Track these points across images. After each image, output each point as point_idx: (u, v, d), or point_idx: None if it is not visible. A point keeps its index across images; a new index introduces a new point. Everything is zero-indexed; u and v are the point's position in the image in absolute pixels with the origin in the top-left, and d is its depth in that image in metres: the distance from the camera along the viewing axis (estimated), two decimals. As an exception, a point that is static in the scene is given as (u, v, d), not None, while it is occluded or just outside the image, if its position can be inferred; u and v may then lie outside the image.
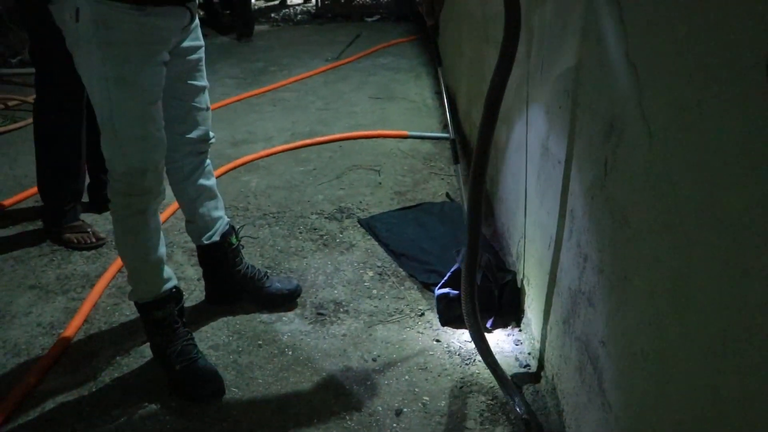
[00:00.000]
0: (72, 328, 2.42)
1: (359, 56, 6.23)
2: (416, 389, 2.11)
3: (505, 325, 2.40)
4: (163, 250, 2.09)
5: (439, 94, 4.91)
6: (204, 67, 2.18)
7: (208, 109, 2.23)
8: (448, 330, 2.37)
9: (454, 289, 2.45)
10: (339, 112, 4.72)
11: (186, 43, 2.03)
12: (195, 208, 2.34)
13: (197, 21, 2.07)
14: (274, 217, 3.21)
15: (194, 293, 2.63)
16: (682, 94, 1.13)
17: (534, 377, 2.14)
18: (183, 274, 2.77)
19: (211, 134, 2.28)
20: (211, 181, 2.36)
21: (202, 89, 2.17)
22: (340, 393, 2.11)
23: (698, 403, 1.09)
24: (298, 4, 9.46)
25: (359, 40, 6.90)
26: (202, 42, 2.11)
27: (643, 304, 1.31)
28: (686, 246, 1.12)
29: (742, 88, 0.94)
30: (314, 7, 8.74)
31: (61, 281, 2.76)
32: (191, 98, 2.14)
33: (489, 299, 2.40)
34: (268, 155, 3.95)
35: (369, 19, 8.26)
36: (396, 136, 4.17)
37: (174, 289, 2.13)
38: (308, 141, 4.11)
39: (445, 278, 2.49)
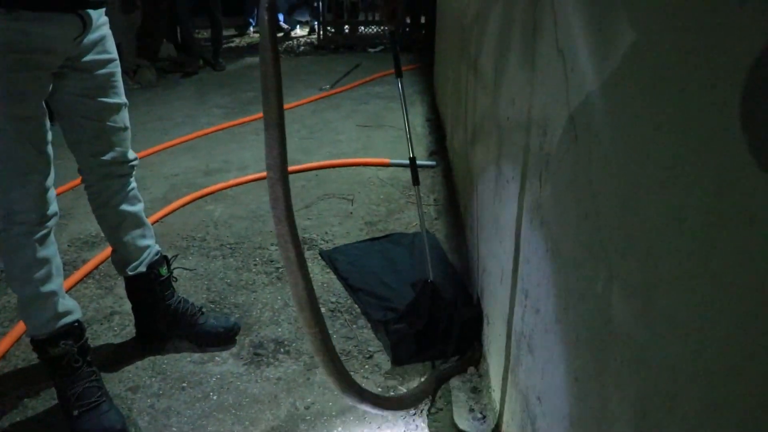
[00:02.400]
0: (-16, 366, 2.17)
1: (354, 85, 6.04)
2: (347, 442, 1.83)
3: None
4: (58, 281, 1.84)
5: (429, 121, 4.68)
6: (120, 84, 1.95)
7: (126, 129, 2.00)
8: (398, 375, 2.09)
9: (410, 325, 2.20)
10: (322, 141, 4.50)
11: (90, 57, 1.81)
12: (118, 236, 2.10)
13: (104, 33, 1.85)
14: (230, 248, 2.97)
15: (127, 328, 2.39)
16: (603, 87, 0.88)
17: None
18: (121, 307, 2.52)
19: (131, 155, 2.04)
20: (135, 207, 2.12)
21: (118, 107, 1.94)
22: (260, 447, 1.83)
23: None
24: (302, 36, 9.35)
25: (358, 70, 6.72)
26: (113, 56, 1.89)
27: (570, 354, 1.04)
28: (608, 281, 0.86)
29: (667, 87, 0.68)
30: (317, 39, 8.61)
31: (-10, 314, 2.53)
32: (104, 117, 1.91)
33: (446, 336, 2.15)
34: (236, 184, 3.72)
35: (372, 50, 8.10)
36: (377, 164, 3.94)
37: (75, 324, 1.88)
38: (283, 169, 3.88)
39: (401, 314, 2.25)
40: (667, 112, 0.69)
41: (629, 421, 0.79)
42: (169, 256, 2.28)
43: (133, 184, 2.10)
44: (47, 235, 1.81)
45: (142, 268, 2.15)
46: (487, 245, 2.03)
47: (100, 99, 1.87)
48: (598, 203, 0.89)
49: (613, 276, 0.83)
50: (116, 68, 1.90)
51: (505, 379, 1.69)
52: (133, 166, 2.06)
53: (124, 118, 1.97)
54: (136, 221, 2.12)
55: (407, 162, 3.85)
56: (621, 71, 0.83)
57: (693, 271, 0.63)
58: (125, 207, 2.07)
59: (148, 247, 2.16)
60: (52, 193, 1.81)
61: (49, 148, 1.77)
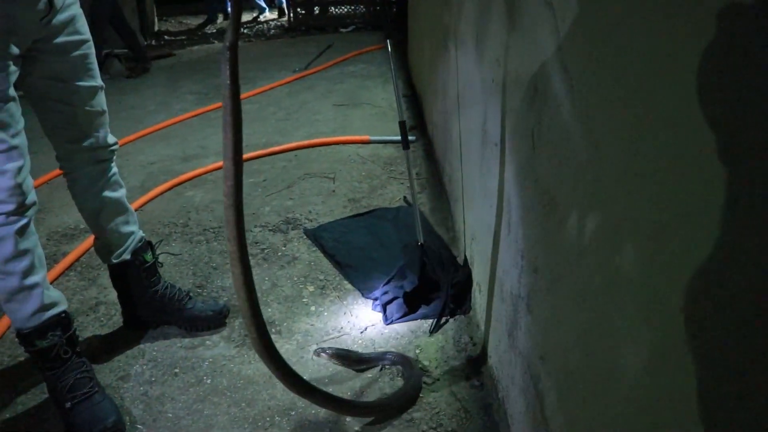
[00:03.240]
0: (-32, 365, 2.12)
1: (328, 65, 5.98)
2: (347, 418, 1.81)
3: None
4: (41, 273, 1.79)
5: (405, 97, 4.64)
6: (95, 66, 1.89)
7: (103, 112, 1.94)
8: (393, 348, 2.08)
9: (401, 285, 2.27)
10: (299, 122, 4.45)
11: (61, 38, 1.75)
12: (100, 223, 2.05)
13: (75, 13, 1.79)
14: (213, 233, 2.93)
15: (114, 318, 2.34)
16: (600, 34, 0.86)
17: (489, 403, 1.85)
18: (105, 297, 2.48)
19: (111, 140, 1.99)
20: (117, 193, 2.06)
21: (94, 90, 1.88)
22: (258, 426, 1.81)
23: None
24: (272, 19, 9.24)
25: (331, 50, 6.65)
26: (85, 36, 1.83)
27: (574, 310, 1.02)
28: (612, 229, 0.84)
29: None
30: (287, 22, 8.50)
31: (-29, 311, 2.47)
32: (80, 101, 1.85)
33: (435, 300, 2.20)
34: (216, 169, 3.66)
35: (344, 30, 8.03)
36: (356, 142, 3.90)
37: (62, 315, 1.83)
38: (261, 152, 3.83)
39: (391, 276, 2.33)
40: (667, 48, 0.67)
41: (642, 370, 0.77)
42: (154, 242, 2.23)
43: (114, 170, 2.04)
44: (27, 225, 1.75)
45: (127, 256, 2.10)
46: (474, 212, 2.01)
47: (74, 83, 1.81)
48: (601, 150, 0.87)
49: (620, 222, 0.81)
50: (90, 50, 1.84)
51: (500, 343, 1.68)
52: (113, 151, 2.01)
53: (101, 101, 1.92)
54: (119, 207, 2.07)
55: (387, 138, 3.86)
56: (618, 14, 0.80)
57: (705, 208, 0.61)
58: (107, 193, 2.02)
59: (132, 233, 2.11)
60: (29, 182, 1.75)
61: (23, 137, 1.71)
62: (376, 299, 2.27)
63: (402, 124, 2.38)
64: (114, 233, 2.07)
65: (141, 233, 2.16)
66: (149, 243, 2.18)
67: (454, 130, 2.50)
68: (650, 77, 0.72)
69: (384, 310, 2.22)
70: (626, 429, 0.84)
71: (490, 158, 1.71)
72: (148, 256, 2.16)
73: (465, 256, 2.31)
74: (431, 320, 2.16)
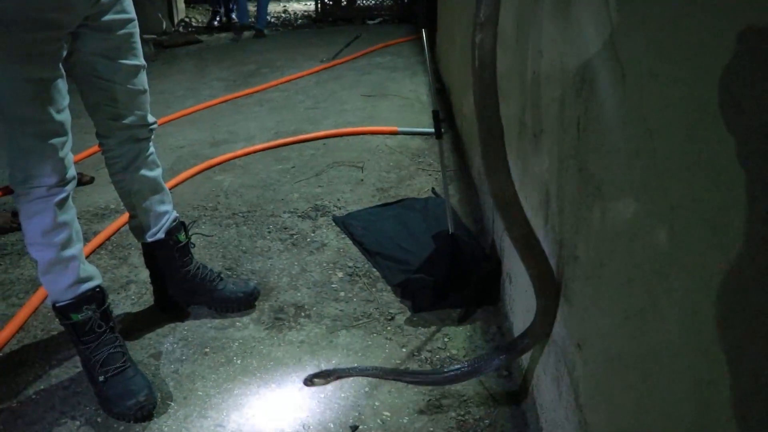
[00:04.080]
0: (3, 337, 2.16)
1: (356, 56, 6.00)
2: (376, 403, 1.83)
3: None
4: (78, 246, 1.83)
5: (435, 89, 4.64)
6: (138, 45, 1.92)
7: (145, 91, 1.97)
8: (421, 335, 2.09)
9: (431, 274, 2.27)
10: (328, 111, 4.47)
11: (109, 16, 1.77)
12: (136, 201, 2.08)
13: None
14: (243, 217, 2.95)
15: (144, 297, 2.38)
16: (657, 21, 0.86)
17: (516, 391, 1.86)
18: (136, 276, 2.51)
19: (150, 119, 2.02)
20: (155, 173, 2.10)
21: (137, 69, 1.91)
22: (289, 407, 1.83)
23: (683, 420, 0.81)
24: (300, 10, 9.26)
25: (358, 42, 6.66)
26: (131, 15, 1.85)
27: (619, 295, 1.03)
28: (667, 213, 0.84)
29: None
30: (315, 12, 8.52)
31: (4, 286, 2.51)
32: (124, 79, 1.88)
33: (464, 289, 2.21)
34: (245, 154, 3.70)
35: (371, 22, 8.04)
36: (384, 133, 3.91)
37: (97, 289, 1.86)
38: (290, 139, 3.86)
39: (421, 264, 2.35)
40: (729, 36, 0.67)
41: (690, 352, 0.78)
42: (186, 223, 2.26)
43: (152, 149, 2.08)
44: (66, 199, 1.79)
45: (161, 235, 2.13)
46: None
47: (119, 60, 1.84)
48: (654, 137, 0.88)
49: (674, 207, 0.82)
50: (135, 29, 1.87)
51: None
52: (152, 130, 2.04)
53: (143, 80, 1.94)
54: (155, 187, 2.10)
55: (416, 129, 3.87)
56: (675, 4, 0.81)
57: (763, 193, 0.61)
58: (144, 172, 2.05)
59: (166, 212, 2.14)
60: (70, 157, 1.79)
61: (67, 112, 1.74)
62: (405, 287, 2.28)
63: (435, 113, 2.39)
64: (149, 212, 2.10)
65: (175, 213, 2.19)
66: (182, 223, 2.21)
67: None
68: (707, 62, 0.72)
69: (413, 298, 2.23)
70: (671, 412, 0.85)
71: (528, 150, 1.72)
72: (182, 236, 2.18)
73: (493, 246, 2.32)
74: (459, 309, 2.18)
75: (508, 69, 1.99)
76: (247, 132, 4.13)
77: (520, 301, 1.84)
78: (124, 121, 1.94)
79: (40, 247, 1.79)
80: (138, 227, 2.14)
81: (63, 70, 1.72)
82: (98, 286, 1.89)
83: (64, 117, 1.72)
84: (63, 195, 1.78)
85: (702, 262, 0.75)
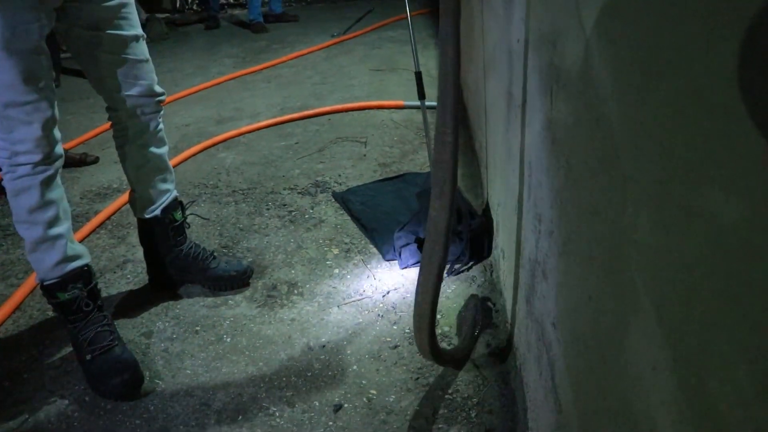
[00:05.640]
0: (-1, 317, 2.17)
1: (367, 30, 5.92)
2: (363, 381, 1.80)
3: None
4: (65, 225, 1.81)
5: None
6: (134, 16, 1.89)
7: (147, 60, 1.95)
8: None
9: (416, 231, 2.32)
10: (335, 86, 4.42)
11: None
12: (139, 177, 2.07)
13: None
14: (242, 194, 2.93)
15: (140, 276, 2.37)
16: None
17: (504, 366, 1.82)
18: (133, 256, 2.50)
19: (158, 89, 1.99)
20: (161, 150, 2.08)
21: (134, 38, 1.89)
22: (274, 386, 1.81)
23: (642, 404, 0.77)
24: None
25: (371, 15, 6.58)
26: None
27: (583, 273, 0.98)
28: (621, 186, 0.79)
29: None
30: (329, -14, 8.41)
31: (4, 267, 2.52)
32: (121, 49, 1.86)
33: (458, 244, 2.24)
34: (249, 131, 3.67)
35: (385, -4, 7.92)
36: (391, 107, 3.86)
37: (85, 268, 1.85)
38: (295, 115, 3.82)
39: (406, 221, 2.40)
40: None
41: (649, 335, 0.73)
42: (185, 202, 2.23)
43: (161, 126, 2.06)
44: (53, 177, 1.77)
45: (158, 212, 2.11)
46: (500, 177, 1.97)
47: (112, 32, 1.82)
48: (610, 104, 0.83)
49: (626, 179, 0.77)
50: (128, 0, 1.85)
51: (519, 309, 1.65)
52: (160, 102, 2.01)
53: (143, 50, 1.92)
54: (160, 164, 2.09)
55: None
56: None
57: (708, 162, 0.56)
58: (152, 149, 2.04)
59: (168, 191, 2.13)
60: (56, 134, 1.77)
61: (52, 88, 1.72)
62: (393, 243, 2.30)
63: (418, 74, 2.39)
64: (151, 189, 2.09)
65: (176, 193, 2.17)
66: (180, 202, 2.19)
67: (483, 94, 2.44)
68: (655, 23, 0.67)
69: (399, 255, 2.23)
70: (629, 398, 0.80)
71: (514, 121, 1.66)
72: (178, 215, 2.17)
73: (486, 207, 2.31)
74: (452, 275, 2.17)
75: (498, 39, 1.94)
76: (254, 109, 4.10)
77: (511, 276, 1.80)
78: (129, 92, 1.92)
79: (26, 225, 1.78)
80: (137, 202, 2.12)
81: (46, 47, 1.70)
82: (86, 265, 1.87)
83: (47, 93, 1.70)
84: (49, 173, 1.76)
85: (653, 240, 0.70)
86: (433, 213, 1.47)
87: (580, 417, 1.03)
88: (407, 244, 2.27)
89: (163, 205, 2.12)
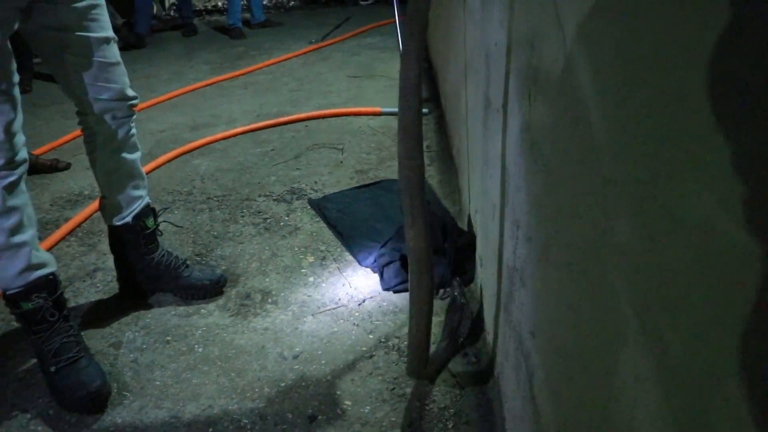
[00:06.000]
0: (-39, 326, 2.10)
1: (345, 37, 5.89)
2: (338, 392, 1.76)
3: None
4: (30, 232, 1.74)
5: (423, 70, 4.53)
6: (104, 18, 1.83)
7: (118, 63, 1.89)
8: (390, 321, 2.02)
9: (398, 249, 2.24)
10: (312, 92, 4.38)
11: None
12: (110, 183, 2.01)
13: None
14: (217, 201, 2.88)
15: (110, 284, 2.30)
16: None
17: (482, 376, 1.78)
18: (104, 264, 2.44)
19: (130, 93, 1.93)
20: (133, 156, 2.03)
21: (104, 40, 1.83)
22: (247, 397, 1.76)
23: (623, 421, 0.73)
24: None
25: (349, 23, 6.55)
26: None
27: (562, 280, 0.95)
28: (601, 189, 0.76)
29: None
30: (307, -7, 8.38)
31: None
32: (90, 52, 1.80)
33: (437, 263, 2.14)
34: (225, 138, 3.61)
35: (364, 3, 7.90)
36: (368, 114, 3.82)
37: (50, 277, 1.79)
38: (271, 122, 3.77)
39: (389, 237, 2.33)
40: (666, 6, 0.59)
41: (631, 344, 0.70)
42: (158, 209, 2.18)
43: (134, 131, 2.00)
44: (16, 183, 1.70)
45: (129, 219, 2.06)
46: (478, 183, 1.94)
47: (81, 33, 1.76)
48: (588, 103, 0.80)
49: (607, 181, 0.74)
50: (98, 1, 1.79)
51: (498, 318, 1.62)
52: (132, 106, 1.95)
53: (114, 52, 1.86)
54: (132, 170, 2.03)
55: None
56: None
57: (694, 162, 0.53)
58: (124, 154, 1.98)
59: (140, 198, 2.07)
60: (20, 138, 1.70)
61: (16, 91, 1.66)
62: (374, 262, 2.24)
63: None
64: (122, 195, 2.03)
65: (148, 199, 2.12)
66: (153, 209, 2.14)
67: (462, 99, 2.42)
68: (636, 23, 0.64)
69: (381, 274, 2.17)
70: (611, 409, 0.77)
71: (492, 125, 1.64)
72: (150, 222, 2.11)
73: (470, 224, 2.24)
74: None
75: (477, 42, 1.91)
76: (230, 115, 4.04)
77: (489, 283, 1.77)
78: (99, 96, 1.86)
79: None
80: (108, 208, 2.06)
81: (11, 48, 1.64)
82: (51, 274, 1.81)
83: (12, 95, 1.64)
84: (12, 179, 1.70)
85: (635, 244, 0.67)
86: (410, 243, 1.44)
87: (559, 429, 0.99)
88: (390, 263, 2.20)
89: (135, 212, 2.07)
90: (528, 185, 1.20)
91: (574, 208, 0.89)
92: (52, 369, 1.76)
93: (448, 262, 2.13)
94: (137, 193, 2.07)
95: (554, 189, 1.00)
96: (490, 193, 1.68)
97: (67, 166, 3.33)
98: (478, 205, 1.97)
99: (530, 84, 1.14)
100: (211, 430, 1.66)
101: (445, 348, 1.83)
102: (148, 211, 2.12)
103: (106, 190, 2.04)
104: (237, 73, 4.93)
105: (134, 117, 1.99)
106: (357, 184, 2.92)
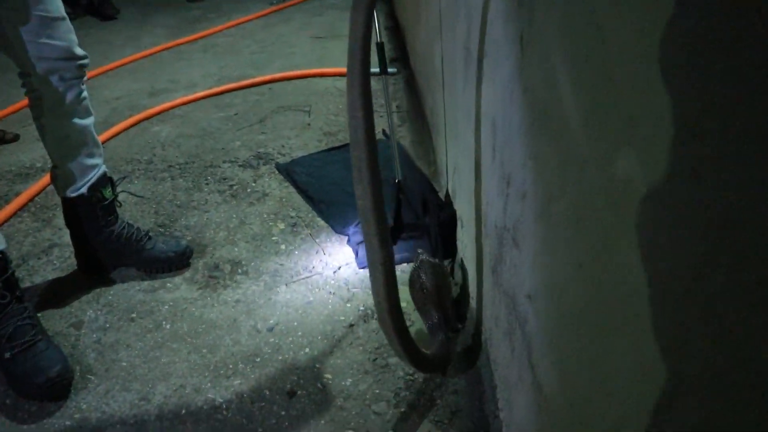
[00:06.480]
0: None
1: (306, -3, 5.69)
2: (317, 365, 1.66)
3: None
4: None
5: (388, 29, 4.40)
6: None
7: (63, 18, 1.72)
8: (368, 288, 1.92)
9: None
10: (275, 55, 4.21)
11: None
12: (61, 151, 1.87)
13: None
14: (179, 169, 2.73)
15: (68, 260, 2.16)
16: None
17: (470, 345, 1.70)
18: (60, 239, 2.29)
19: (79, 52, 1.78)
20: (86, 121, 1.88)
21: None
22: (220, 374, 1.66)
23: (643, 385, 0.64)
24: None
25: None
26: None
27: (570, 234, 0.86)
28: (624, 130, 0.66)
29: None
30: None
31: None
32: (26, 3, 1.64)
33: (426, 240, 2.04)
34: (185, 103, 3.44)
35: (324, -38, 7.66)
36: (334, 74, 3.67)
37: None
38: (233, 85, 3.61)
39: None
40: None
41: (651, 299, 0.61)
42: (115, 179, 2.04)
43: (85, 94, 1.85)
44: None
45: (84, 190, 1.92)
46: (457, 141, 1.84)
47: None
48: (606, 35, 0.69)
49: (632, 118, 0.64)
50: None
51: (482, 282, 1.53)
52: (82, 66, 1.80)
53: (57, 6, 1.70)
54: (85, 137, 1.88)
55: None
56: None
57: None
58: (75, 120, 1.84)
59: (95, 167, 1.93)
60: None
61: None
62: (349, 237, 2.12)
63: (380, 45, 2.18)
64: (76, 165, 1.89)
65: (104, 168, 1.98)
66: (110, 179, 2.00)
67: (437, 54, 2.30)
68: None
69: (356, 252, 2.06)
70: (631, 379, 0.68)
71: (474, 77, 1.53)
72: (107, 193, 1.98)
73: (447, 191, 2.14)
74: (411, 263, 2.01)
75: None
76: (189, 80, 3.86)
77: (472, 246, 1.68)
78: (43, 55, 1.70)
79: None
80: (60, 179, 1.92)
81: None
82: (0, 252, 1.68)
83: None
84: None
85: (669, 189, 0.58)
86: (359, 202, 1.26)
87: (568, 402, 0.91)
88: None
89: (90, 182, 1.93)
90: (520, 137, 1.10)
91: (583, 157, 0.79)
92: (7, 355, 1.63)
93: (431, 239, 2.02)
94: (92, 161, 1.93)
95: (557, 138, 0.90)
96: (472, 149, 1.58)
97: (16, 138, 3.14)
98: (458, 163, 1.86)
99: (524, 26, 1.03)
100: (184, 411, 1.56)
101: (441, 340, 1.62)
102: (105, 180, 1.98)
103: (57, 159, 1.89)
104: (195, 36, 4.72)
105: (85, 78, 1.84)
106: (326, 147, 2.80)
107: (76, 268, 2.12)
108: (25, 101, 1.83)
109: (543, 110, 0.96)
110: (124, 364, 1.72)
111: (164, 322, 1.85)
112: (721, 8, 0.47)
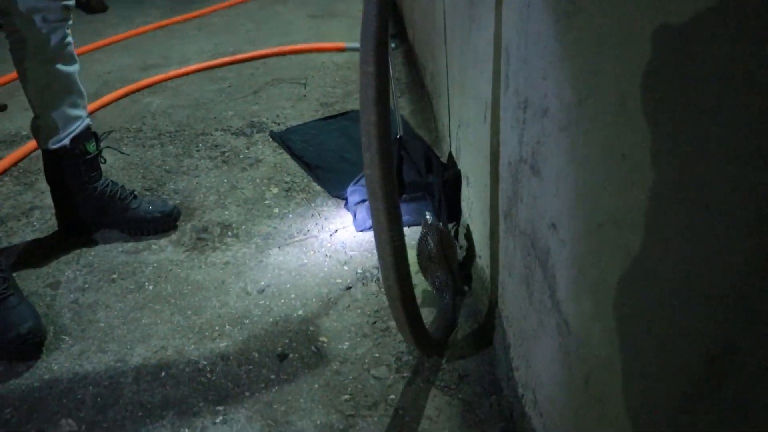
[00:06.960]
0: None
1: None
2: (311, 328, 1.53)
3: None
4: None
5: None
6: None
7: None
8: (366, 251, 1.79)
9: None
10: (271, 33, 4.08)
11: None
12: (43, 99, 1.75)
13: None
14: (169, 136, 2.60)
15: (49, 222, 2.04)
16: None
17: (479, 308, 1.57)
18: (42, 202, 2.16)
19: None
20: (70, 68, 1.76)
21: None
22: (205, 336, 1.53)
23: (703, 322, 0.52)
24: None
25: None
26: None
27: (614, 125, 0.73)
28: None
29: None
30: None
31: None
32: None
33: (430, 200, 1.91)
34: (178, 76, 3.31)
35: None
36: (331, 50, 3.55)
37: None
38: (227, 59, 3.48)
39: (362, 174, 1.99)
40: None
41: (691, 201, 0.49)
42: (100, 133, 1.91)
43: (69, 39, 1.73)
44: None
45: (66, 142, 1.79)
46: (463, 92, 1.71)
47: None
48: None
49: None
50: None
51: (493, 235, 1.40)
52: (67, 8, 1.68)
53: None
54: (69, 85, 1.76)
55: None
56: None
57: None
58: (59, 66, 1.72)
59: (79, 118, 1.81)
60: None
61: None
62: (347, 199, 1.99)
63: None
64: (58, 114, 1.77)
65: (89, 120, 1.85)
66: (94, 133, 1.87)
67: (438, 11, 2.17)
68: None
69: (354, 214, 1.93)
70: (673, 296, 0.56)
71: (483, 17, 1.40)
72: (91, 147, 1.85)
73: (450, 152, 2.01)
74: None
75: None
76: (182, 56, 3.73)
77: (480, 200, 1.55)
78: None
79: None
80: (41, 130, 1.80)
81: None
82: None
83: None
84: None
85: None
86: (366, 171, 1.15)
87: (605, 330, 0.78)
88: (364, 201, 1.96)
89: (73, 134, 1.80)
90: (540, 49, 0.98)
91: (620, 50, 0.66)
92: (-25, 311, 1.51)
93: (434, 200, 1.89)
94: (76, 112, 1.80)
95: (585, 36, 0.77)
96: (481, 90, 1.46)
97: (3, 108, 3.01)
98: (464, 117, 1.74)
99: None
100: (164, 373, 1.43)
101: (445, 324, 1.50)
102: (89, 134, 1.85)
103: (39, 107, 1.77)
104: (189, 15, 4.59)
105: (70, 22, 1.72)
106: (322, 117, 2.67)
107: (56, 229, 1.99)
108: (14, 74, 1.70)
109: (568, 17, 0.83)
110: (102, 324, 1.59)
111: (147, 283, 1.72)
112: None
